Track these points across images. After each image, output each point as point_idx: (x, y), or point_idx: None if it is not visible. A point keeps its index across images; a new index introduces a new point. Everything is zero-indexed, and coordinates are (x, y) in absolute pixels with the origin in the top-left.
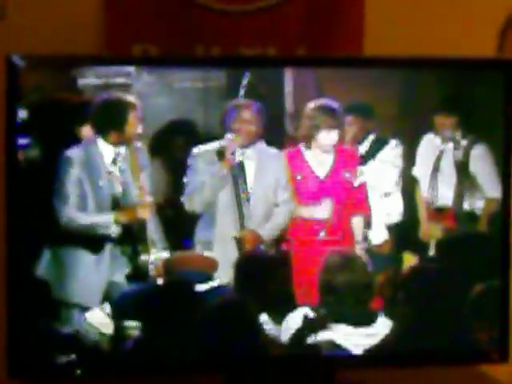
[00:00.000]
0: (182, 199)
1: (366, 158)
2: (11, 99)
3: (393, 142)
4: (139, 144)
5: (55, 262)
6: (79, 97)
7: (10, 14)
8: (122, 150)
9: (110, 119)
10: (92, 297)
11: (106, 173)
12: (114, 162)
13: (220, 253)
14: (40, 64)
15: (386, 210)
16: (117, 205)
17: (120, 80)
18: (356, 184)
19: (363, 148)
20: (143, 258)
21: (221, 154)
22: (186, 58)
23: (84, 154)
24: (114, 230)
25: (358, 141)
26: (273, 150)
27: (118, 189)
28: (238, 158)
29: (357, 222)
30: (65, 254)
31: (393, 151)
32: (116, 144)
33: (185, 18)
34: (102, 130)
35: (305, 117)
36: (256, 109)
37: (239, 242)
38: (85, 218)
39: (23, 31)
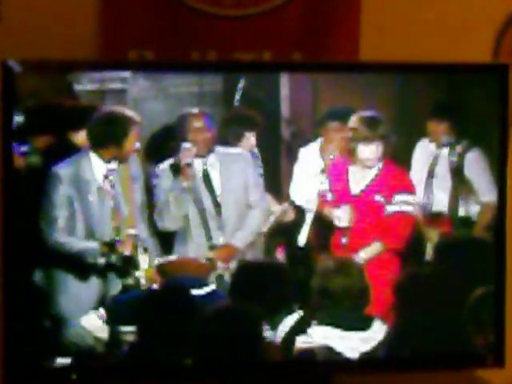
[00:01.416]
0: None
1: None
2: (7, 104)
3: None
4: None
5: (47, 277)
6: (75, 102)
7: (6, 19)
8: (115, 165)
9: (110, 134)
10: (82, 311)
11: (96, 188)
12: (106, 176)
13: None
14: (36, 69)
15: None
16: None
17: (116, 85)
18: (389, 211)
19: None
20: (135, 274)
21: (176, 167)
22: (181, 62)
23: (73, 170)
24: (102, 260)
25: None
26: (234, 150)
27: (109, 204)
28: (200, 168)
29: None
30: (55, 273)
31: None
32: (109, 160)
33: (180, 22)
34: (99, 144)
35: (347, 129)
36: (207, 116)
37: (213, 262)
38: (72, 244)
39: (19, 36)
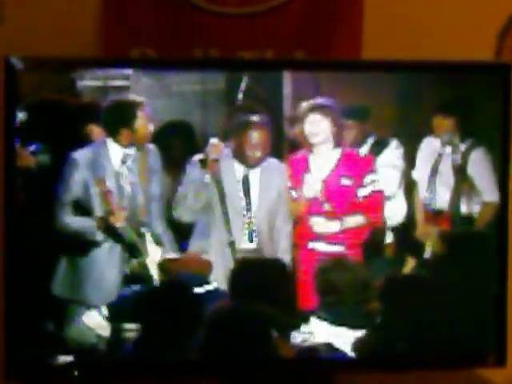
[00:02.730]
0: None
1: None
2: (10, 101)
3: (393, 144)
4: (151, 146)
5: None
6: (78, 99)
7: (9, 17)
8: (132, 150)
9: (120, 118)
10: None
11: (114, 173)
12: (123, 162)
13: (217, 261)
14: (38, 66)
15: (390, 212)
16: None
17: (118, 82)
18: (363, 193)
19: (363, 151)
20: (138, 260)
21: (204, 161)
22: (184, 60)
23: (91, 156)
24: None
25: (358, 144)
26: (277, 163)
27: (127, 189)
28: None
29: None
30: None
31: (393, 153)
32: (126, 145)
33: (183, 20)
34: (112, 131)
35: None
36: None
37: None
38: (75, 222)
39: (22, 33)
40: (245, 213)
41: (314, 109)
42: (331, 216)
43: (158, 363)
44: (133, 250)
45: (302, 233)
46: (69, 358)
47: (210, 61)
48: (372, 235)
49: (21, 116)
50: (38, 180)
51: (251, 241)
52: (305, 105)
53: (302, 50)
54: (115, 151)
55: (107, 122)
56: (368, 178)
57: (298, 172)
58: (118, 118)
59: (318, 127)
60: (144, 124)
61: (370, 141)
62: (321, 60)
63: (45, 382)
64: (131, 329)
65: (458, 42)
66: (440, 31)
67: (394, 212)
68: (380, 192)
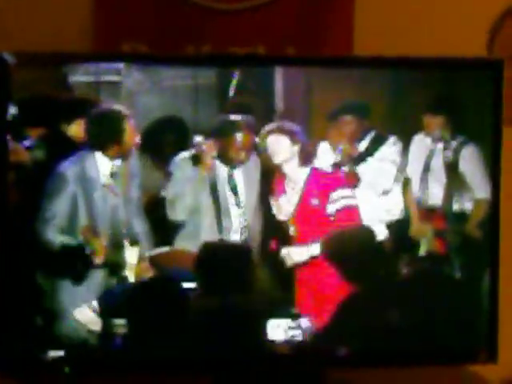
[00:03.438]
0: (166, 207)
1: (364, 156)
2: (1, 96)
3: (391, 139)
4: (133, 151)
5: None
6: (70, 94)
7: (0, 11)
8: (119, 162)
9: (107, 133)
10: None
11: (101, 186)
12: (112, 175)
13: None
14: (30, 61)
15: (385, 206)
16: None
17: (110, 77)
18: (332, 210)
19: (363, 145)
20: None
21: (197, 158)
22: (176, 56)
23: (79, 168)
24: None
25: (358, 139)
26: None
27: (113, 201)
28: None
29: None
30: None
31: (391, 148)
32: (114, 157)
33: (175, 16)
34: (100, 144)
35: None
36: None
37: None
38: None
39: (12, 28)
40: (235, 211)
41: (270, 131)
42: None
43: (149, 359)
44: (112, 269)
45: None
46: (59, 354)
47: (201, 56)
48: None
49: (13, 111)
50: (33, 175)
51: (241, 238)
52: (262, 132)
53: (294, 46)
54: (103, 164)
55: (93, 135)
56: (336, 194)
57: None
58: (106, 132)
59: (275, 146)
60: (131, 136)
61: (371, 135)
62: (312, 56)
63: (35, 377)
64: (122, 324)
65: (449, 39)
66: (432, 27)
67: (391, 208)
68: (353, 208)
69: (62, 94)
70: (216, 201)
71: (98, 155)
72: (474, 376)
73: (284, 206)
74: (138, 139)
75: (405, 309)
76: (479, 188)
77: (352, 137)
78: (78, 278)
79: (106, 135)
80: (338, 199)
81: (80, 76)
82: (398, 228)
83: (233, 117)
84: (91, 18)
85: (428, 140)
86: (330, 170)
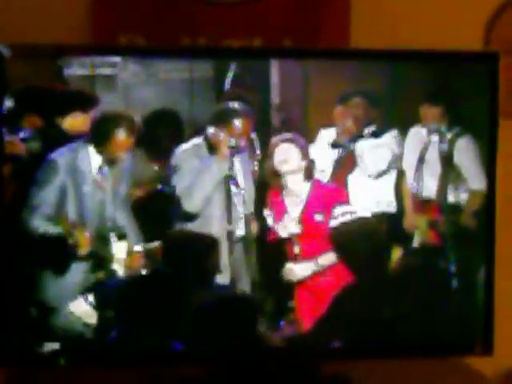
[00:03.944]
0: (181, 199)
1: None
2: None
3: (393, 132)
4: (127, 155)
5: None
6: (65, 86)
7: None
8: (112, 161)
9: (107, 132)
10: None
11: (91, 179)
12: (100, 169)
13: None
14: (26, 53)
15: (376, 197)
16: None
17: (106, 70)
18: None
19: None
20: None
21: (212, 148)
22: (172, 48)
23: (71, 159)
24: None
25: (358, 127)
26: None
27: (101, 196)
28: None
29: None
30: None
31: (390, 139)
32: (108, 156)
33: (171, 8)
34: (98, 143)
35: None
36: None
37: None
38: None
39: (8, 20)
40: (242, 200)
41: (283, 140)
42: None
43: (145, 351)
44: (99, 262)
45: None
46: (54, 346)
47: (197, 49)
48: None
49: (8, 103)
50: (27, 167)
51: (246, 229)
52: (274, 139)
53: (291, 39)
54: (96, 159)
55: (94, 134)
56: (338, 210)
57: (276, 207)
58: (105, 132)
59: (287, 154)
60: (128, 137)
61: (371, 128)
62: (308, 48)
63: (31, 369)
64: (117, 317)
65: (446, 32)
66: (428, 20)
67: (382, 197)
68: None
69: (58, 87)
70: (228, 191)
71: (92, 150)
72: (469, 368)
73: (288, 225)
74: (133, 140)
75: (400, 301)
76: (474, 179)
77: (357, 120)
78: (61, 268)
79: (104, 135)
80: (339, 215)
81: (76, 68)
82: (392, 219)
83: (231, 104)
84: (88, 10)
85: (423, 132)
86: (330, 184)
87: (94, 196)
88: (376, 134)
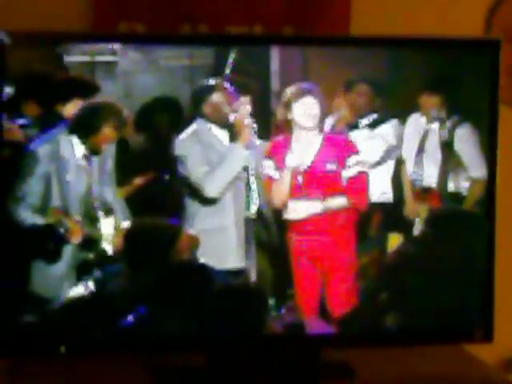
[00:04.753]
0: (200, 184)
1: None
2: None
3: (393, 122)
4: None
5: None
6: (65, 74)
7: None
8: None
9: (93, 124)
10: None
11: (75, 166)
12: (85, 157)
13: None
14: (25, 41)
15: (375, 186)
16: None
17: (106, 57)
18: (348, 175)
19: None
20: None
21: (234, 133)
22: (172, 35)
23: (52, 148)
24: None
25: (361, 115)
26: None
27: (86, 180)
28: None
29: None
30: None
31: (388, 128)
32: (92, 147)
33: None
34: (82, 135)
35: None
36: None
37: None
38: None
39: (8, 7)
40: (254, 185)
41: (305, 92)
42: (312, 197)
43: (146, 338)
44: (89, 243)
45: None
46: (55, 334)
47: (198, 36)
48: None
49: (7, 90)
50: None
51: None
52: (294, 89)
53: (291, 25)
54: (79, 149)
55: (79, 125)
56: (352, 159)
57: (280, 154)
58: (91, 126)
59: (311, 110)
60: (115, 130)
61: (373, 117)
62: (309, 35)
63: (30, 357)
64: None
65: (447, 19)
66: (429, 7)
67: (378, 187)
68: (364, 173)
69: (58, 74)
70: (247, 174)
71: (76, 141)
72: (469, 355)
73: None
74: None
75: (400, 288)
76: (475, 167)
77: (360, 108)
78: (54, 258)
79: (89, 127)
80: (354, 164)
81: (76, 56)
82: (392, 208)
83: (208, 81)
84: None
85: (423, 120)
86: (340, 135)
87: (80, 181)
88: (376, 123)
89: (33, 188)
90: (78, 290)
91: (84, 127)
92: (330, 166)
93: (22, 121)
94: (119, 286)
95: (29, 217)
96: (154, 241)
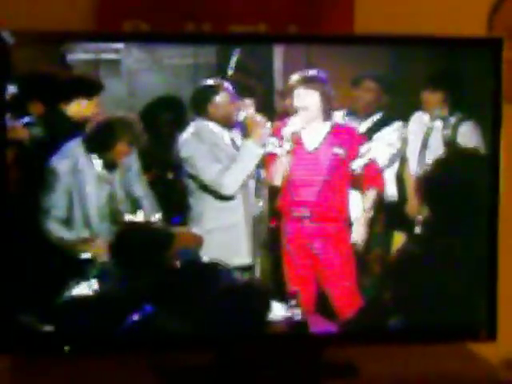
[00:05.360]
0: (217, 182)
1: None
2: (0, 75)
3: (395, 124)
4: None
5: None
6: (69, 73)
7: None
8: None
9: (109, 140)
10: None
11: (94, 177)
12: (104, 168)
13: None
14: (29, 40)
15: None
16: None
17: (110, 56)
18: (362, 163)
19: (366, 124)
20: None
21: (247, 131)
22: (176, 34)
23: (71, 162)
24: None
25: (367, 113)
26: None
27: (108, 190)
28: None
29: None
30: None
31: (392, 132)
32: (109, 162)
33: None
34: (99, 150)
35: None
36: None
37: None
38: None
39: (12, 6)
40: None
41: (302, 81)
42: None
43: (152, 338)
44: None
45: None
46: (59, 333)
47: (201, 34)
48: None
49: (12, 89)
50: (32, 153)
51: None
52: (294, 77)
53: (294, 24)
54: (97, 163)
55: (93, 143)
56: (363, 148)
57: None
58: (107, 143)
59: (304, 101)
60: (130, 145)
61: (378, 116)
62: (312, 34)
63: (34, 356)
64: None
65: (450, 17)
66: (432, 5)
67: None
68: (375, 160)
69: (62, 73)
70: (258, 173)
71: (95, 157)
72: (472, 354)
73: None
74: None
75: (403, 286)
76: None
77: (366, 106)
78: (78, 274)
79: (106, 143)
80: (366, 153)
81: (79, 54)
82: (395, 206)
83: (209, 81)
84: None
85: (426, 117)
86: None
87: (101, 191)
88: (380, 125)
89: (57, 202)
90: (83, 289)
91: (98, 145)
92: (338, 151)
93: (26, 119)
94: (124, 285)
95: (56, 229)
96: (149, 242)
